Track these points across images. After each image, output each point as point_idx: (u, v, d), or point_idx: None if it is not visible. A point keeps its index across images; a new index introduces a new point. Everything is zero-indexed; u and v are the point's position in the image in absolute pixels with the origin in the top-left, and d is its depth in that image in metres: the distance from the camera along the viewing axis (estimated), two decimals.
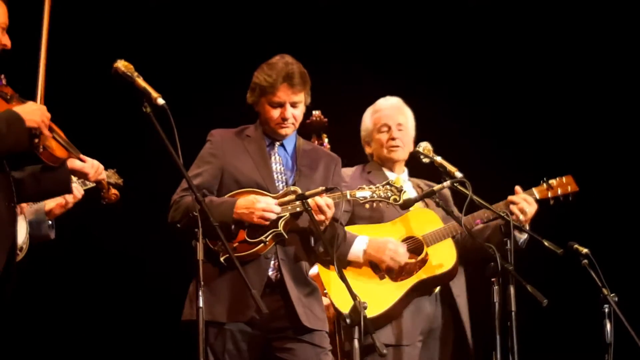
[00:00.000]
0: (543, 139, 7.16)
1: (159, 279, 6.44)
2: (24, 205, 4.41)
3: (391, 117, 5.27)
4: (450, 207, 5.13)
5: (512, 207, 5.09)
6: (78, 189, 4.67)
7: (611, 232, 6.87)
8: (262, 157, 4.57)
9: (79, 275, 6.57)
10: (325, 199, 4.40)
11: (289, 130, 4.59)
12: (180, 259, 4.67)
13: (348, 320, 4.10)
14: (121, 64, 4.09)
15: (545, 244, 4.83)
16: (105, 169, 4.96)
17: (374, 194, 4.54)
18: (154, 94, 4.02)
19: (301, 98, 4.55)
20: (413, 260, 5.03)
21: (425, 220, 5.14)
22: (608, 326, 4.87)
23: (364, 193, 4.52)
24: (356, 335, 4.11)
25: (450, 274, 5.06)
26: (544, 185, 5.26)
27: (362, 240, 4.99)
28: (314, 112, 5.45)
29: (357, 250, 4.97)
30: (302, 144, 4.70)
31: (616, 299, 4.89)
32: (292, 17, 6.95)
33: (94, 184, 4.52)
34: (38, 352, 6.47)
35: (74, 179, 4.66)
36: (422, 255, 5.04)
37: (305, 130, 5.48)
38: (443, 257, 5.05)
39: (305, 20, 6.97)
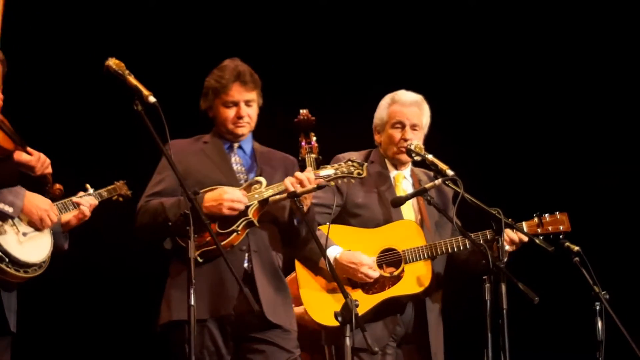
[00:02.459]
0: (536, 137, 7.18)
1: (137, 284, 6.43)
2: (51, 221, 4.38)
3: (408, 115, 5.17)
4: (447, 206, 5.12)
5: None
6: (92, 199, 4.72)
7: (602, 229, 6.88)
8: (222, 158, 4.63)
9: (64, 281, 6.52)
10: (307, 174, 4.44)
11: (245, 130, 4.64)
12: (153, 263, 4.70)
13: (339, 319, 4.09)
14: (112, 62, 4.10)
15: (537, 241, 4.84)
16: (117, 180, 4.99)
17: (337, 171, 4.55)
18: (145, 91, 4.02)
19: (254, 97, 4.61)
20: (388, 275, 5.02)
21: (410, 233, 5.08)
22: (599, 324, 4.88)
23: (327, 172, 4.53)
24: (347, 333, 4.10)
25: (419, 296, 5.03)
26: (536, 219, 5.19)
27: (334, 250, 4.95)
28: (301, 111, 5.43)
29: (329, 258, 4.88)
30: (258, 146, 4.75)
31: (607, 296, 4.90)
32: (285, 15, 6.94)
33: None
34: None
35: (90, 190, 4.69)
36: (398, 271, 5.02)
37: (293, 129, 5.48)
38: (417, 277, 5.01)
39: (298, 18, 6.96)
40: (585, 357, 5.07)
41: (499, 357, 4.52)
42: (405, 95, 5.24)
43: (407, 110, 5.19)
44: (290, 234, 4.58)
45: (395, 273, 5.02)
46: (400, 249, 5.04)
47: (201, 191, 4.45)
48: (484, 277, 4.58)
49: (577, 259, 4.97)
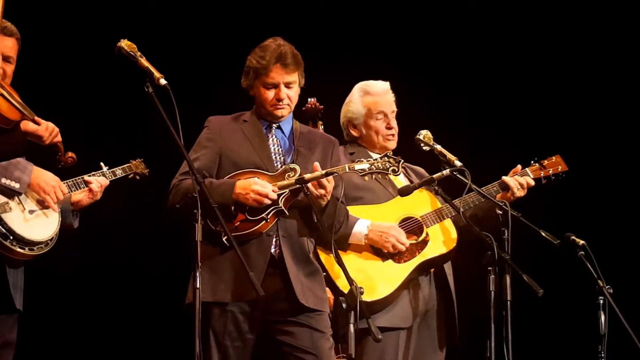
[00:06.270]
0: (534, 127, 7.16)
1: (162, 265, 6.43)
2: (57, 198, 4.35)
3: (387, 104, 5.24)
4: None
5: (510, 184, 5.16)
6: (103, 179, 4.67)
7: (608, 224, 6.88)
8: (259, 138, 4.60)
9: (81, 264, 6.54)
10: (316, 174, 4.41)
11: (285, 111, 4.62)
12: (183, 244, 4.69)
13: (344, 305, 4.10)
14: (124, 44, 4.12)
15: (542, 234, 4.85)
16: (133, 159, 4.98)
17: (373, 166, 4.50)
18: (156, 74, 4.04)
19: (295, 78, 4.58)
20: (414, 241, 5.05)
21: (423, 200, 5.13)
22: (602, 318, 4.89)
23: (362, 165, 4.49)
24: (352, 320, 4.12)
25: (450, 255, 5.07)
26: (536, 165, 5.30)
27: (363, 223, 4.96)
28: (309, 99, 5.44)
29: (358, 234, 4.95)
30: (298, 126, 4.72)
31: (611, 290, 4.90)
32: (289, 4, 6.95)
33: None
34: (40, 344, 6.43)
35: (104, 168, 4.68)
36: (423, 236, 5.05)
37: (301, 117, 5.49)
38: (444, 237, 5.06)
39: (301, 7, 6.97)
40: (587, 350, 5.07)
41: (502, 348, 4.54)
42: (377, 85, 5.30)
43: (384, 100, 5.26)
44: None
45: (421, 238, 5.05)
46: (418, 216, 5.08)
47: (235, 173, 4.46)
48: (489, 268, 4.60)
49: (582, 252, 4.98)
